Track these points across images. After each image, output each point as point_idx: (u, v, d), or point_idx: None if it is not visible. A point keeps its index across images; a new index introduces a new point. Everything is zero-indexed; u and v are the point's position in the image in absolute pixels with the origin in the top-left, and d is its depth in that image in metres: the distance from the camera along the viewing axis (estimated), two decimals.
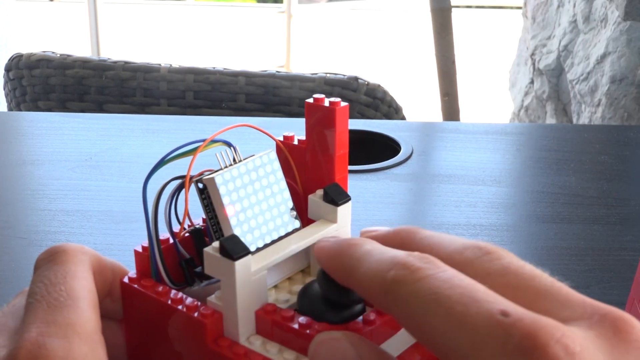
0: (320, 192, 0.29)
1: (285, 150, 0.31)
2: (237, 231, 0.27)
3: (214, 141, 0.28)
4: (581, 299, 0.21)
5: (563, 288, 0.22)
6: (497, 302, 0.20)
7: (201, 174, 0.28)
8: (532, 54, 1.75)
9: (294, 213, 0.29)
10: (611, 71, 1.35)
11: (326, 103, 0.30)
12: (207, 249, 0.25)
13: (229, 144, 0.28)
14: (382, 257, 0.23)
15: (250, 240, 0.27)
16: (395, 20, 4.96)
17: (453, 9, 1.73)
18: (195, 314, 0.26)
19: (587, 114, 1.47)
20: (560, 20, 1.64)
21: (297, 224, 0.29)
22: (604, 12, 1.42)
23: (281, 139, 0.31)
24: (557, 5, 1.68)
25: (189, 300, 0.27)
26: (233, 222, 0.27)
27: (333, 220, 0.28)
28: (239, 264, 0.25)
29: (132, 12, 5.07)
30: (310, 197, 0.29)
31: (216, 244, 0.25)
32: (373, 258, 0.23)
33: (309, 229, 0.28)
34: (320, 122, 0.30)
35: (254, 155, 0.28)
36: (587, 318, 0.20)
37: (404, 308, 0.21)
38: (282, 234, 0.28)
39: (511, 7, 5.13)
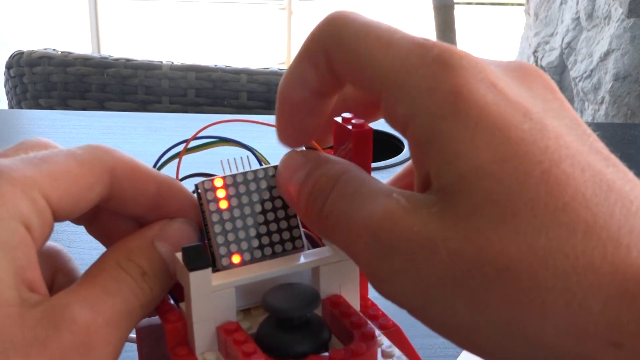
0: None
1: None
2: (219, 239, 0.26)
3: (232, 141, 0.27)
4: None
5: None
6: (417, 37, 0.22)
7: (208, 176, 0.27)
8: (535, 51, 1.74)
9: (299, 232, 0.27)
10: (615, 69, 1.35)
11: (354, 121, 0.27)
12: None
13: (248, 148, 0.27)
14: None
15: (235, 251, 0.26)
16: (398, 17, 4.96)
17: (456, 6, 1.73)
18: (161, 317, 0.25)
19: (590, 112, 1.46)
20: (563, 17, 1.63)
21: (298, 243, 0.27)
22: (607, 9, 1.42)
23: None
24: (559, 2, 1.67)
25: (171, 300, 0.26)
26: (217, 229, 0.26)
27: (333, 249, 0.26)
28: (195, 275, 0.23)
29: (132, 9, 5.07)
30: None
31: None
32: None
33: (303, 253, 0.26)
34: (342, 144, 0.27)
35: (267, 165, 0.27)
36: (505, 65, 0.23)
37: (340, 41, 0.23)
38: (278, 251, 0.26)
39: (513, 4, 5.13)
